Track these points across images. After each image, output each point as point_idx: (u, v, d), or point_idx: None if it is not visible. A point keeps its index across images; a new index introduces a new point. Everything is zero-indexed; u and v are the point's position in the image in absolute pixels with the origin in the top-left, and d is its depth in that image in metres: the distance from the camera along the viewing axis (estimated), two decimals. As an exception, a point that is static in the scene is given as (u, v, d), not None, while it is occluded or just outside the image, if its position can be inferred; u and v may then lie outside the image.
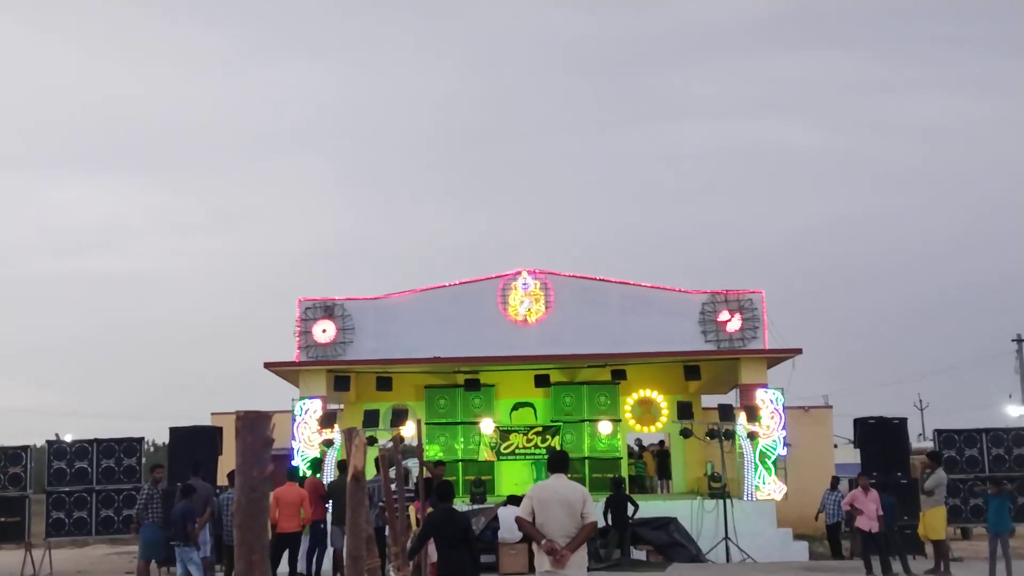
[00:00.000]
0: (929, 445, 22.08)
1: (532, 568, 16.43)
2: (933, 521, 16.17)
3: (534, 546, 8.10)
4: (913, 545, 17.66)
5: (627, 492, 19.19)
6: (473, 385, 23.03)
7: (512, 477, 23.21)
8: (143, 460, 19.77)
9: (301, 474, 18.21)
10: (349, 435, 5.27)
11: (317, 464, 19.32)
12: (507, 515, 16.99)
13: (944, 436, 19.98)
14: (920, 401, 56.34)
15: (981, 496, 17.24)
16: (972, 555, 18.84)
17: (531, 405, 24.36)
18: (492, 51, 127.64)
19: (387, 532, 9.46)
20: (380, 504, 14.31)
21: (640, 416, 23.97)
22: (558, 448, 23.10)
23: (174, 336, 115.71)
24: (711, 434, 20.31)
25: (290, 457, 20.25)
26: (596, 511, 8.35)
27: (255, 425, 3.41)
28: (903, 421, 20.26)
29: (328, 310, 21.47)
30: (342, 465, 15.70)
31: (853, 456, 21.86)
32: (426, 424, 23.14)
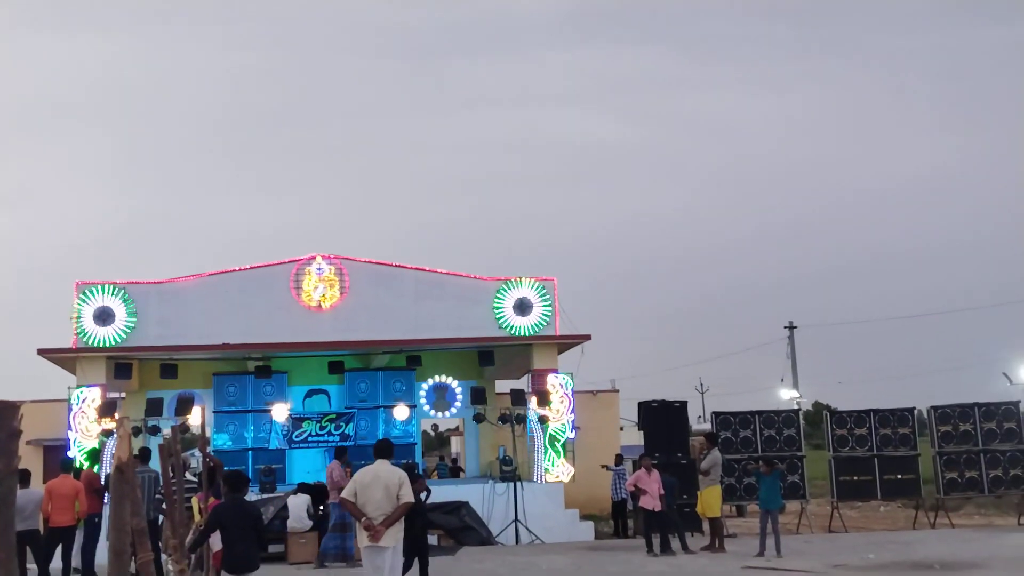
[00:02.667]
0: (707, 427, 23.18)
1: (321, 562, 16.31)
2: (709, 499, 17.00)
3: (356, 525, 9.25)
4: (691, 523, 18.53)
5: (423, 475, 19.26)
6: (264, 372, 22.56)
7: (304, 465, 22.88)
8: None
9: (77, 465, 17.30)
10: (119, 424, 5.03)
11: (95, 455, 18.40)
12: (296, 504, 16.75)
13: (721, 418, 21.05)
14: (701, 385, 59.15)
15: (754, 475, 18.26)
16: (746, 531, 19.95)
17: (325, 392, 24.07)
18: (289, 29, 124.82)
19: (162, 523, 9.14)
20: (158, 496, 13.79)
21: (435, 402, 24.09)
22: (351, 435, 23.00)
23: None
24: (503, 419, 20.65)
25: (66, 448, 19.23)
26: (410, 494, 9.34)
27: (1, 415, 3.20)
28: (683, 404, 21.23)
29: (108, 294, 20.44)
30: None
31: (638, 438, 22.73)
32: (215, 412, 22.51)
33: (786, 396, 42.04)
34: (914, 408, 21.77)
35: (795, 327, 46.97)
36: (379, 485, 9.11)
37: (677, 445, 20.25)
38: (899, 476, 20.95)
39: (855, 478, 20.91)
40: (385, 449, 9.63)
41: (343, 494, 9.43)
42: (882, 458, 20.92)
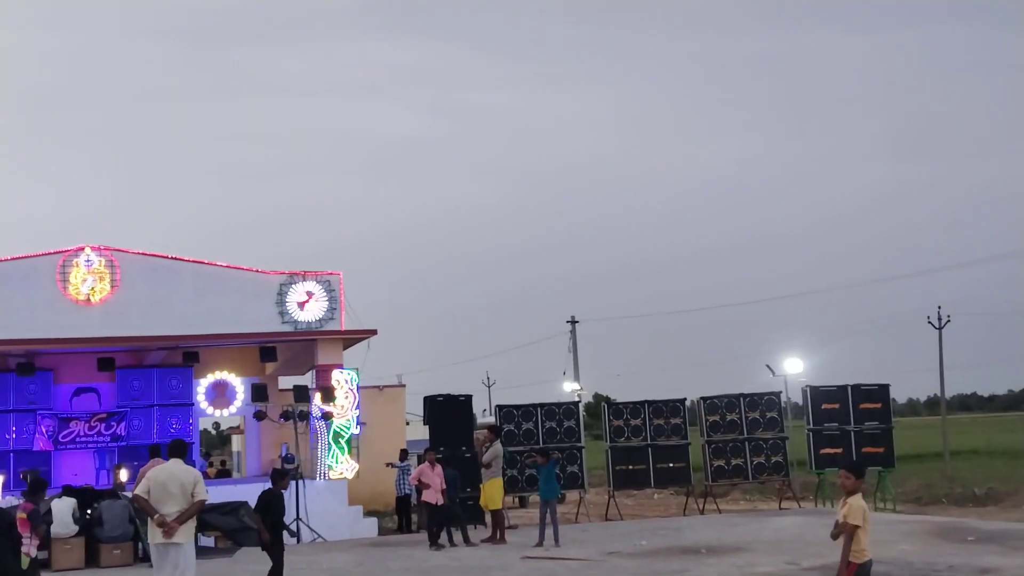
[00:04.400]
0: (492, 420, 23.48)
1: (89, 561, 15.47)
2: (491, 492, 17.20)
3: (151, 521, 9.48)
4: (475, 515, 18.71)
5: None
6: (27, 369, 21.24)
7: (72, 467, 21.65)
8: None
9: None
10: None
11: None
12: (61, 508, 15.82)
13: (504, 411, 21.36)
14: (488, 379, 59.98)
15: (533, 466, 18.62)
16: (527, 522, 20.35)
17: (95, 390, 22.85)
18: (58, 7, 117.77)
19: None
20: None
21: (215, 399, 23.35)
22: (124, 434, 21.99)
23: None
24: (286, 415, 20.19)
25: None
26: (204, 492, 9.70)
27: None
28: (468, 398, 21.41)
29: None
30: None
31: (424, 432, 22.77)
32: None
33: (568, 388, 43.17)
34: (685, 399, 22.81)
35: (577, 321, 48.31)
36: (175, 483, 9.45)
37: (462, 439, 20.39)
38: (671, 464, 21.86)
39: (631, 467, 21.68)
40: (179, 448, 9.94)
41: (136, 491, 9.74)
42: (655, 447, 21.77)
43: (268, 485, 18.98)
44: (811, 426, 22.13)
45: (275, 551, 10.99)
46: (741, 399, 22.44)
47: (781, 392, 23.76)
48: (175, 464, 9.69)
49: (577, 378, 46.01)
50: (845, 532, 7.28)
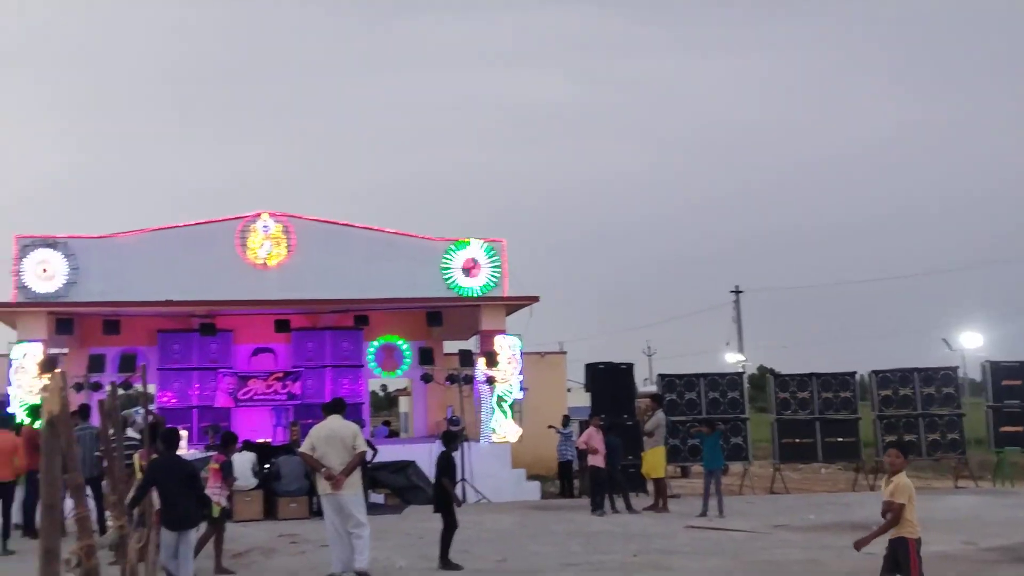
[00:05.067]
0: (653, 389, 23.36)
1: (268, 513, 16.24)
2: (653, 460, 17.17)
3: (316, 476, 10.21)
4: (636, 483, 18.70)
5: (369, 436, 19.20)
6: (209, 330, 22.30)
7: (250, 423, 22.69)
8: None
9: (19, 422, 17.01)
10: (52, 378, 4.89)
11: (37, 411, 18.04)
12: (241, 462, 16.59)
13: (666, 380, 21.21)
14: (648, 348, 59.63)
15: (697, 436, 18.44)
16: (690, 492, 20.18)
17: (271, 351, 23.85)
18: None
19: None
20: (97, 453, 13.61)
21: (383, 362, 24.01)
22: (299, 393, 22.88)
23: None
24: (451, 379, 20.62)
25: (5, 403, 18.88)
26: (364, 444, 10.34)
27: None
28: (630, 366, 21.34)
29: (49, 248, 20.00)
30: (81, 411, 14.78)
31: (585, 400, 22.85)
32: (160, 370, 22.23)
33: (731, 359, 42.50)
34: (855, 372, 22.11)
35: (741, 292, 47.44)
36: (335, 438, 10.04)
37: (623, 407, 20.37)
38: (840, 439, 21.28)
39: (797, 441, 21.22)
40: (338, 405, 10.62)
41: (302, 448, 10.37)
42: (824, 421, 21.24)
43: (434, 445, 19.59)
44: (991, 403, 21.11)
45: (450, 512, 11.24)
46: (915, 373, 21.61)
47: (958, 367, 22.74)
48: (334, 420, 10.35)
49: (741, 349, 45.26)
50: (893, 511, 7.57)
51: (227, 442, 11.53)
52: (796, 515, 15.77)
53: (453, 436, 12.04)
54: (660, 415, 17.31)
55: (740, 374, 23.16)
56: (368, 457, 17.82)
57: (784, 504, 17.88)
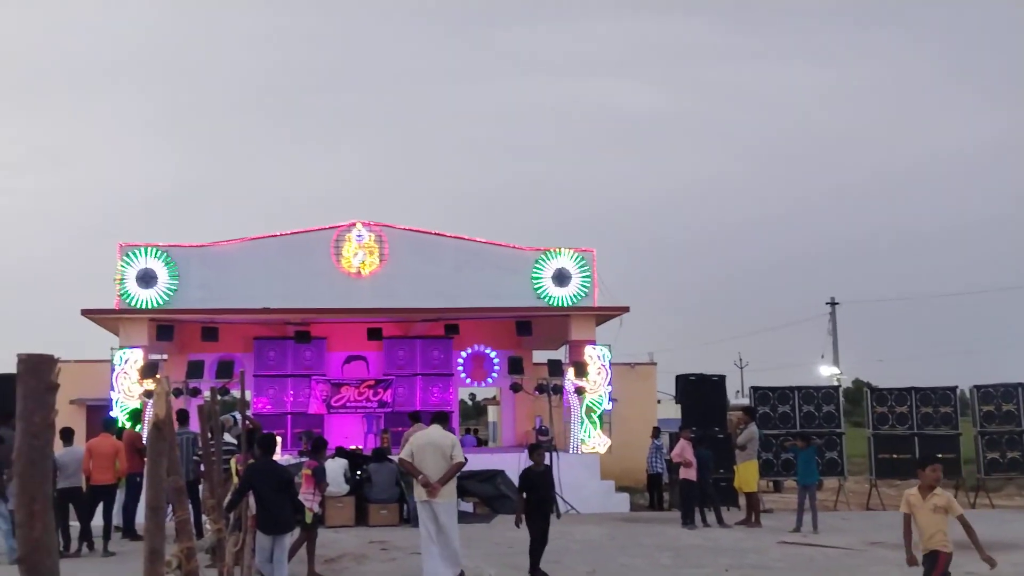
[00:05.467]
0: (745, 401, 23.05)
1: (359, 520, 16.44)
2: (746, 474, 16.92)
3: (413, 482, 10.70)
4: (727, 497, 18.45)
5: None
6: (304, 337, 22.70)
7: (342, 430, 23.03)
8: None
9: (119, 425, 17.53)
10: (156, 385, 5.06)
11: (137, 415, 18.62)
12: (334, 468, 16.84)
13: (759, 393, 20.90)
14: (740, 360, 58.84)
15: (791, 450, 18.13)
16: (783, 507, 19.84)
17: (363, 358, 24.19)
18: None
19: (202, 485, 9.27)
20: (195, 457, 13.96)
21: (473, 371, 24.15)
22: (390, 401, 23.14)
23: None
24: (540, 389, 20.64)
25: (108, 408, 19.51)
26: (461, 455, 10.65)
27: (38, 369, 3.20)
28: (722, 378, 21.08)
29: (151, 256, 20.64)
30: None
31: (675, 411, 22.66)
32: (255, 376, 22.71)
33: (826, 372, 41.69)
34: (956, 387, 21.48)
35: (836, 303, 46.53)
36: (434, 447, 10.43)
37: (714, 419, 20.12)
38: (939, 455, 20.64)
39: (894, 456, 20.70)
40: (442, 416, 11.15)
41: (401, 455, 10.87)
42: (923, 437, 20.69)
43: (522, 455, 19.60)
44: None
45: (539, 526, 11.06)
46: (1019, 389, 20.92)
47: (1065, 383, 21.90)
48: (435, 429, 10.72)
49: (836, 362, 44.36)
50: (963, 521, 7.83)
51: (318, 448, 11.70)
52: (893, 532, 15.32)
53: (535, 447, 11.85)
54: (753, 428, 17.06)
55: (836, 387, 22.73)
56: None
57: (881, 521, 17.42)
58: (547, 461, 18.92)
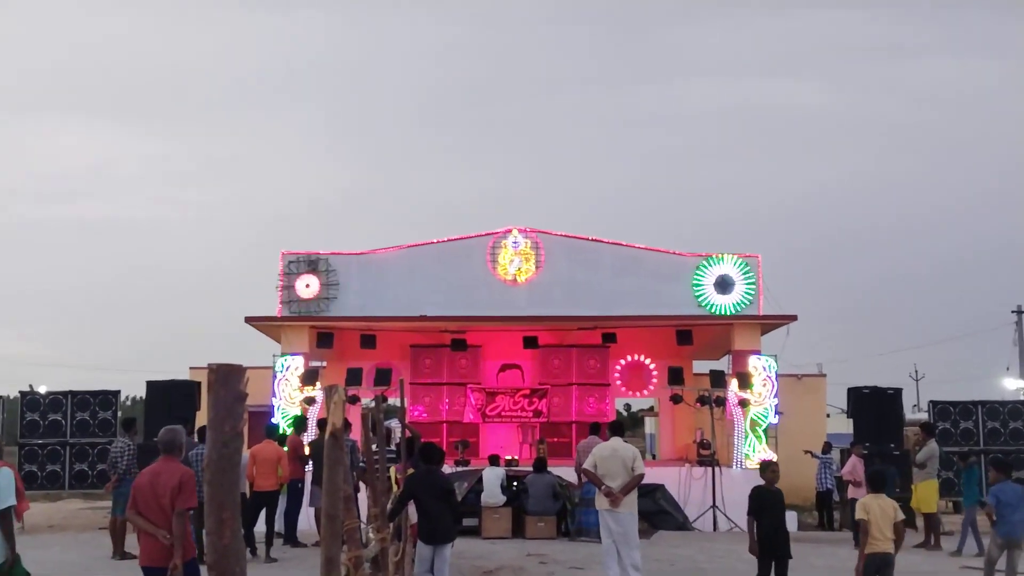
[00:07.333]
0: (923, 416, 22.22)
1: (516, 531, 16.58)
2: (925, 494, 16.28)
3: (597, 492, 10.97)
4: (905, 518, 17.76)
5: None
6: (460, 345, 23.04)
7: (497, 439, 23.27)
8: (119, 413, 19.79)
9: (281, 432, 18.19)
10: (329, 392, 5.25)
11: (302, 422, 19.22)
12: (491, 478, 17.05)
13: (939, 408, 20.12)
14: (916, 372, 56.63)
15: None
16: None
17: (518, 367, 24.40)
18: (492, 2, 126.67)
19: (364, 492, 9.49)
20: (361, 465, 14.34)
21: (629, 380, 24.05)
22: (545, 411, 23.27)
23: (158, 288, 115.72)
24: (702, 400, 20.37)
25: (270, 414, 20.25)
26: (642, 466, 10.94)
27: (228, 378, 3.38)
28: (898, 391, 20.32)
29: (312, 264, 21.38)
30: (322, 424, 15.68)
31: (845, 426, 22.00)
32: (411, 384, 23.19)
33: (1011, 386, 39.68)
34: None
35: (1023, 312, 44.28)
36: (616, 459, 10.82)
37: (890, 435, 19.41)
38: None
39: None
40: (618, 427, 11.64)
41: (585, 465, 11.34)
42: (1125, 457, 19.48)
43: (682, 469, 19.40)
44: None
45: (779, 564, 9.52)
46: None
47: None
48: (616, 441, 11.11)
49: (1023, 375, 42.19)
50: None
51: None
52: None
53: (767, 465, 10.23)
54: (933, 445, 16.40)
55: (1023, 402, 21.61)
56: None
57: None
58: (708, 476, 18.81)
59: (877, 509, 8.99)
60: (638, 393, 24.83)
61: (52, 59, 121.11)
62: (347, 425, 15.48)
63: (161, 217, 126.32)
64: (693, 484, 19.13)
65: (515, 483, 17.29)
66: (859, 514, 9.03)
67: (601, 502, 10.90)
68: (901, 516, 9.20)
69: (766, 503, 9.56)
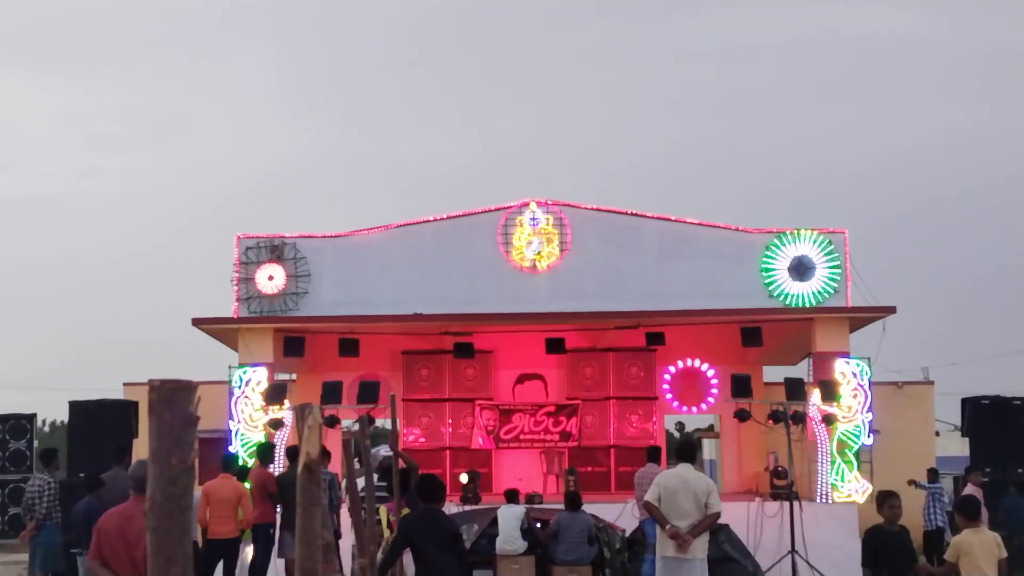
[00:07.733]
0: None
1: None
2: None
3: (657, 529, 10.95)
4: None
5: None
6: (465, 351, 23.00)
7: (515, 470, 23.27)
8: (35, 443, 19.88)
9: (241, 464, 18.20)
10: (301, 413, 5.23)
11: (268, 450, 19.17)
12: (507, 518, 17.05)
13: (1080, 422, 20.04)
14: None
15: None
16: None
17: (540, 377, 24.39)
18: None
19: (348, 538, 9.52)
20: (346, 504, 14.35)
21: (681, 392, 24.00)
22: (575, 433, 23.24)
23: (81, 284, 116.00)
24: (775, 417, 20.33)
25: (226, 442, 20.27)
26: (718, 503, 10.89)
27: (174, 398, 3.36)
28: (1025, 403, 20.33)
29: (275, 251, 21.34)
30: (292, 452, 15.69)
31: (960, 446, 21.97)
32: (404, 400, 23.18)
33: None
34: None
35: None
36: (687, 492, 10.74)
37: (1018, 457, 19.40)
38: None
39: None
40: (689, 451, 11.57)
41: (647, 497, 11.17)
42: None
43: (752, 504, 19.40)
44: None
45: None
46: None
47: None
48: (686, 470, 11.02)
49: None
50: None
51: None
52: None
53: (884, 497, 10.00)
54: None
55: None
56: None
57: None
58: (784, 513, 18.78)
59: (977, 545, 8.95)
60: (693, 408, 24.79)
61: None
62: (325, 454, 15.55)
63: (82, 193, 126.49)
64: (765, 523, 19.09)
65: (538, 524, 17.29)
66: (949, 554, 9.00)
67: (664, 547, 10.76)
68: (1004, 553, 9.20)
69: (888, 548, 9.40)
